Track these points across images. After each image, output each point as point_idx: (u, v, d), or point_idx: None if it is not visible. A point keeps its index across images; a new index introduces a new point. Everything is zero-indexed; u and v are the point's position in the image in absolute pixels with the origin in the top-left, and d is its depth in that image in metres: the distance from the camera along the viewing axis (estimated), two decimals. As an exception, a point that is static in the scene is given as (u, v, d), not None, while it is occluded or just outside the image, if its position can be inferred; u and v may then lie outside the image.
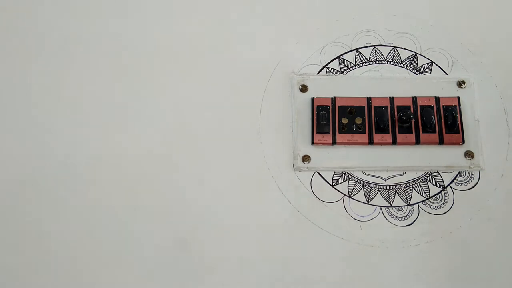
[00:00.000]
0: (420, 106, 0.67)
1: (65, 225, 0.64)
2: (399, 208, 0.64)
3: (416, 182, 0.66)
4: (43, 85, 0.70)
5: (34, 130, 0.68)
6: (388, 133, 0.66)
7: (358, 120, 0.67)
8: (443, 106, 0.67)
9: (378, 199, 0.65)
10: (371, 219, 0.64)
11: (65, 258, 0.63)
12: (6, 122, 0.69)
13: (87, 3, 0.75)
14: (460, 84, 0.69)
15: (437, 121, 0.66)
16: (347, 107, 0.68)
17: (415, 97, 0.68)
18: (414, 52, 0.72)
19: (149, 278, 0.62)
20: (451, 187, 0.65)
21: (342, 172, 0.66)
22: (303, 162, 0.66)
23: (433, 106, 0.67)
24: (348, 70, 0.71)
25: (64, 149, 0.67)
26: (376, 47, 0.72)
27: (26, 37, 0.73)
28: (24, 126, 0.68)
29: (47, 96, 0.70)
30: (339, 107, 0.68)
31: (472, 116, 0.68)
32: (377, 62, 0.71)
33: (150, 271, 0.62)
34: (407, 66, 0.71)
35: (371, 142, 0.66)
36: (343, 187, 0.66)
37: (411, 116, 0.65)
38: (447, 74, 0.70)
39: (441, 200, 0.65)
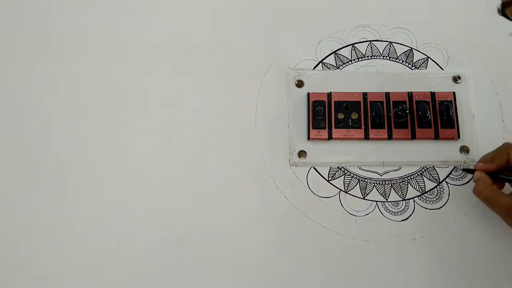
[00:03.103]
0: (416, 101, 0.67)
1: (64, 224, 0.64)
2: (395, 203, 0.65)
3: (412, 177, 0.66)
4: (41, 83, 0.70)
5: (31, 129, 0.68)
6: (384, 128, 0.66)
7: (354, 115, 0.67)
8: (438, 101, 0.67)
9: (374, 194, 0.65)
10: (367, 214, 0.64)
11: (63, 257, 0.63)
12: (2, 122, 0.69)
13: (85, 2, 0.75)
14: (456, 79, 0.69)
15: (433, 116, 0.67)
16: (343, 102, 0.68)
17: (411, 92, 0.68)
18: (409, 47, 0.72)
19: (148, 274, 0.62)
20: (446, 182, 0.66)
21: (338, 167, 0.66)
22: (299, 157, 0.66)
23: (429, 101, 0.67)
24: (344, 65, 0.71)
25: (62, 148, 0.67)
26: (372, 42, 0.72)
27: (21, 35, 0.73)
28: (20, 126, 0.68)
29: (44, 95, 0.70)
30: (335, 102, 0.68)
31: (467, 111, 0.68)
32: (373, 57, 0.71)
33: (149, 268, 0.62)
34: (403, 61, 0.71)
35: (367, 137, 0.66)
36: (339, 182, 0.66)
37: (407, 111, 0.65)
38: (442, 69, 0.71)
39: (437, 195, 0.65)
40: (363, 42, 0.72)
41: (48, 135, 0.68)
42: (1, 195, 0.65)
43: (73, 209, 0.64)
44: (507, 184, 0.60)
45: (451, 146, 0.67)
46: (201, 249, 0.63)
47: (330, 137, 0.66)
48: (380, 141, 0.67)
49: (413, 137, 0.66)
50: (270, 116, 0.68)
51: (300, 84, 0.69)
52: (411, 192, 0.65)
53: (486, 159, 0.61)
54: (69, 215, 0.64)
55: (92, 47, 0.72)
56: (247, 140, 0.67)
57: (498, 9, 0.45)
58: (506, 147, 0.60)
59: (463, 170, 0.64)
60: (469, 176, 0.65)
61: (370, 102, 0.67)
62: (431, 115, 0.66)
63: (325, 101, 0.68)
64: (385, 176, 0.66)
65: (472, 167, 0.62)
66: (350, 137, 0.66)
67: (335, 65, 0.71)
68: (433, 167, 0.66)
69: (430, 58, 0.71)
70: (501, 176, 0.59)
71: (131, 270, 0.62)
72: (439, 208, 0.64)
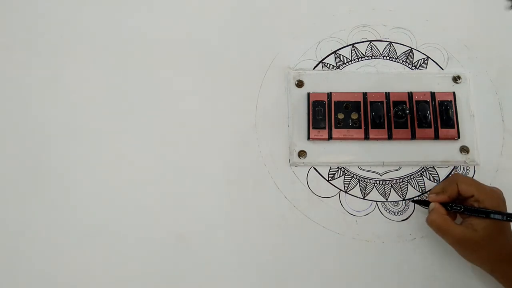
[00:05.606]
0: (416, 101, 0.67)
1: (64, 224, 0.64)
2: (395, 203, 0.65)
3: (412, 177, 0.66)
4: (41, 83, 0.70)
5: (31, 129, 0.68)
6: (384, 128, 0.66)
7: (354, 115, 0.67)
8: (438, 101, 0.67)
9: (374, 194, 0.65)
10: (367, 214, 0.64)
11: (63, 258, 0.63)
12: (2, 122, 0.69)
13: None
14: (456, 79, 0.69)
15: (433, 116, 0.67)
16: (343, 102, 0.68)
17: (411, 92, 0.68)
18: (410, 47, 0.72)
19: (149, 274, 0.62)
20: (446, 182, 0.66)
21: (338, 167, 0.66)
22: (299, 157, 0.66)
23: (429, 101, 0.67)
24: (344, 65, 0.71)
25: (62, 148, 0.67)
26: (372, 42, 0.72)
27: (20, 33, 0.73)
28: (20, 126, 0.68)
29: (44, 95, 0.70)
30: (335, 102, 0.68)
31: (467, 111, 0.68)
32: (373, 57, 0.71)
33: (149, 268, 0.62)
34: (403, 61, 0.71)
35: (367, 137, 0.66)
36: (339, 182, 0.66)
37: (407, 111, 0.65)
38: (442, 69, 0.71)
39: (437, 195, 0.65)
40: (363, 42, 0.72)
41: (48, 135, 0.68)
42: (0, 195, 0.65)
43: (73, 209, 0.64)
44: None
45: (451, 146, 0.67)
46: (201, 249, 0.63)
47: (330, 137, 0.66)
48: (380, 141, 0.67)
49: (413, 137, 0.66)
50: (270, 116, 0.68)
51: (300, 84, 0.69)
52: (411, 192, 0.65)
53: (437, 189, 0.61)
54: (69, 216, 0.64)
55: (91, 47, 0.72)
56: (247, 140, 0.67)
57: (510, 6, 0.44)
58: (455, 177, 0.60)
59: (414, 201, 0.64)
60: (469, 175, 0.65)
61: (370, 102, 0.67)
62: (431, 115, 0.66)
63: (325, 101, 0.68)
64: (385, 176, 0.66)
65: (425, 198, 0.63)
66: (350, 137, 0.66)
67: (335, 65, 0.71)
68: (433, 167, 0.66)
69: (430, 58, 0.71)
70: (449, 205, 0.59)
71: (131, 270, 0.62)
72: (439, 208, 0.64)
